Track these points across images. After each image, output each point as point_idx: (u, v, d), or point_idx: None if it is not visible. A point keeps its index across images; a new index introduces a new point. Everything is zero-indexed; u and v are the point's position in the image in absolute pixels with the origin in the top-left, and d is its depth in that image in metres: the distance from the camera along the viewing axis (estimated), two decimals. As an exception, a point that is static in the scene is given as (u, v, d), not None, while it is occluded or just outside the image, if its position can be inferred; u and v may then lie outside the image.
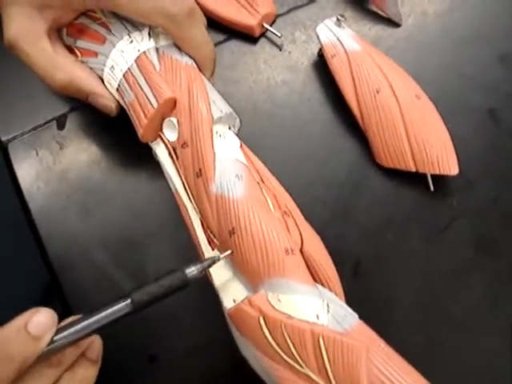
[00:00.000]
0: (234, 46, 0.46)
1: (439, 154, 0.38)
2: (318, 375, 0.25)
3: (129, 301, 0.26)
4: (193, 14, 0.34)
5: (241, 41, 0.46)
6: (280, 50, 0.45)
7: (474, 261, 0.38)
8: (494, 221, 0.39)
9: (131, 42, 0.35)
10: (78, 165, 0.41)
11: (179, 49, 0.35)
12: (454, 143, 0.38)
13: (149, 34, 0.35)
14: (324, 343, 0.25)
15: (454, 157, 0.38)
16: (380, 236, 0.39)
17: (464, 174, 0.39)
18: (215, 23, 0.45)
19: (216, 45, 0.45)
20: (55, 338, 0.25)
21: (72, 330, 0.25)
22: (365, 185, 0.40)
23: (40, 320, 0.24)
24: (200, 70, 0.35)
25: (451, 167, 0.38)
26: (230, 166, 0.31)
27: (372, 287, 0.37)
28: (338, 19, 0.42)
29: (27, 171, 0.41)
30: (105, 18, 0.36)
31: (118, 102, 0.37)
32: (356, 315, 0.28)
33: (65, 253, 0.39)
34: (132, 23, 0.36)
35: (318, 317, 0.27)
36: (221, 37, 0.46)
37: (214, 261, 0.29)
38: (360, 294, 0.37)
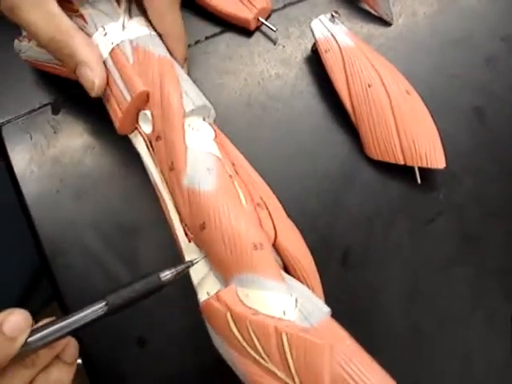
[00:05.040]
0: (230, 38, 0.46)
1: (427, 148, 0.39)
2: (282, 371, 0.25)
3: (104, 303, 0.26)
4: None
5: (236, 34, 0.46)
6: (274, 44, 0.46)
7: (457, 254, 0.39)
8: (477, 215, 0.40)
9: (105, 34, 0.35)
10: (71, 149, 0.41)
11: (153, 41, 0.35)
12: (441, 139, 0.39)
13: (123, 25, 0.35)
14: (287, 340, 0.25)
15: (441, 151, 0.39)
16: (368, 227, 0.40)
17: (450, 169, 0.40)
18: (212, 16, 0.46)
19: (212, 37, 0.46)
20: (30, 339, 0.25)
21: (46, 331, 0.25)
22: (355, 177, 0.41)
23: (15, 321, 0.24)
24: (172, 56, 0.35)
25: (438, 161, 0.39)
26: (202, 159, 0.31)
27: (360, 276, 0.38)
28: (332, 15, 0.43)
29: (21, 155, 0.41)
30: (82, 10, 0.36)
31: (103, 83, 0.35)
32: (326, 309, 0.28)
33: (57, 236, 0.39)
34: (107, 14, 0.36)
35: (284, 313, 0.27)
36: (217, 29, 0.46)
37: (187, 266, 0.29)
38: (348, 282, 0.38)
